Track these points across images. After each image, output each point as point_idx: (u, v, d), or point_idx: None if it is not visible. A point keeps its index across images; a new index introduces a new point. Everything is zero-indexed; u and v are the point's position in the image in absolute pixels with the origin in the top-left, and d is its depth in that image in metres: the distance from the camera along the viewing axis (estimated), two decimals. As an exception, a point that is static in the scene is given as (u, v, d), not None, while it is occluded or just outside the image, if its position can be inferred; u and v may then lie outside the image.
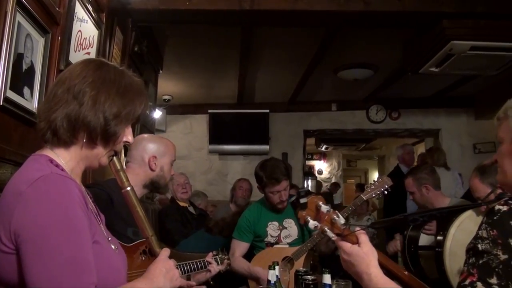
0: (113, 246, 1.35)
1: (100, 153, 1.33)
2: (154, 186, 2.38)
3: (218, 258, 2.66)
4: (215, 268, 2.60)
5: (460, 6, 3.62)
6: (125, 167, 2.39)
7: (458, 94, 6.88)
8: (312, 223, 1.54)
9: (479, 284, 1.17)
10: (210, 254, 2.65)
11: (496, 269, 1.17)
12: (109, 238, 1.36)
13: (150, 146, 2.37)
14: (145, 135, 2.57)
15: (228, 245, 3.29)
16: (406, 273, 1.50)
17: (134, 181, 2.28)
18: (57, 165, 1.23)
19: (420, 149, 9.73)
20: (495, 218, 1.24)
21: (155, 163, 2.33)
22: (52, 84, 1.33)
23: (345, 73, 5.62)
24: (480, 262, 1.20)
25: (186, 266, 2.50)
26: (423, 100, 7.24)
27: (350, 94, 7.07)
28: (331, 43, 4.60)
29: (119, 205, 2.04)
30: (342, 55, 5.14)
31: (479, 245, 1.23)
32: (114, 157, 1.40)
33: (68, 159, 1.28)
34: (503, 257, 1.18)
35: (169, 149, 2.42)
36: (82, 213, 1.17)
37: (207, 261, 2.60)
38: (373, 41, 4.70)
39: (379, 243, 7.12)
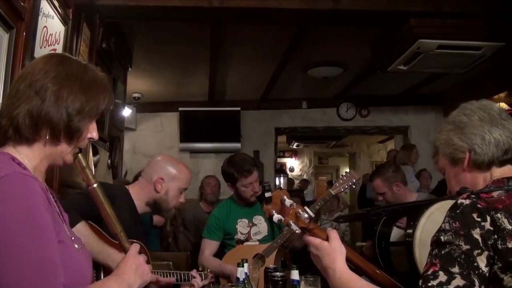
0: (76, 246, 1.32)
1: (64, 150, 1.29)
2: (156, 208, 2.37)
3: (203, 274, 2.57)
4: (199, 283, 2.50)
5: (427, 6, 3.68)
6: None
7: (426, 92, 7.01)
8: (276, 217, 1.56)
9: (441, 273, 1.19)
10: (194, 270, 2.57)
11: (458, 259, 1.19)
12: (73, 238, 1.34)
13: (162, 166, 2.37)
14: (164, 156, 2.55)
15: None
16: (374, 268, 1.52)
17: (139, 195, 2.35)
18: (20, 164, 1.20)
19: (390, 145, 9.88)
20: (457, 211, 1.26)
21: (161, 185, 2.32)
22: (14, 79, 1.29)
23: (315, 71, 5.65)
24: (443, 252, 1.22)
25: (169, 275, 2.42)
26: (392, 97, 7.35)
27: (321, 92, 7.12)
28: (300, 40, 4.62)
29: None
30: (311, 53, 5.16)
31: (441, 237, 1.24)
32: (79, 154, 1.38)
33: (31, 157, 1.25)
34: (465, 247, 1.20)
35: (181, 176, 2.40)
36: (46, 213, 1.15)
37: (191, 275, 2.51)
38: (342, 39, 4.74)
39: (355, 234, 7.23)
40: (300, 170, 13.34)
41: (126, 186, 2.42)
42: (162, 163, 2.39)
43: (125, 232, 1.52)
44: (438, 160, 1.56)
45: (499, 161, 1.41)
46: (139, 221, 2.38)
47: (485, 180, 1.42)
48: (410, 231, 2.54)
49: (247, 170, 3.12)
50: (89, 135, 1.34)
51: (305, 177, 12.87)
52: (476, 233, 1.20)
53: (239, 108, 7.19)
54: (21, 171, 1.16)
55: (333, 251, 1.43)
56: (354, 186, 3.02)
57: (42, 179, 1.30)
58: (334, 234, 1.47)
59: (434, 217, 2.47)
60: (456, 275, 1.17)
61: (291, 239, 3.09)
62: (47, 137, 1.25)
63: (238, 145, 7.07)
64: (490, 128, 1.40)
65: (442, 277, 1.18)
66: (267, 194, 1.64)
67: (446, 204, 2.49)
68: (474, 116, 1.43)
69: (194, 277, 2.51)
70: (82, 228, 1.91)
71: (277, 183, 10.49)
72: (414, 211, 2.69)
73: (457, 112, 1.50)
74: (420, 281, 1.21)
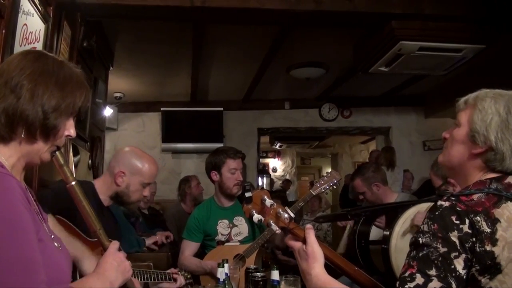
0: (56, 244, 1.31)
1: (41, 149, 1.28)
2: (118, 201, 2.33)
3: (181, 275, 2.55)
4: (181, 280, 2.50)
5: (408, 8, 3.71)
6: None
7: (408, 93, 7.07)
8: (256, 217, 1.56)
9: (418, 275, 1.19)
10: (174, 269, 2.57)
11: (435, 261, 1.19)
12: (52, 236, 1.33)
13: (125, 160, 2.31)
14: (131, 148, 2.43)
15: None
16: (354, 268, 1.52)
17: (102, 189, 2.32)
18: None
19: (372, 146, 9.94)
20: (436, 213, 1.26)
21: (122, 179, 2.27)
22: None
23: (297, 72, 5.67)
24: (420, 254, 1.22)
25: (147, 274, 2.40)
26: (374, 98, 7.40)
27: (303, 93, 7.14)
28: (283, 41, 4.62)
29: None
30: (294, 53, 5.17)
31: (420, 239, 1.25)
32: (57, 151, 1.36)
33: (8, 155, 1.24)
34: (442, 250, 1.20)
35: (144, 170, 2.31)
36: (26, 211, 1.14)
37: (171, 274, 2.50)
38: (324, 40, 4.76)
39: (337, 234, 7.23)
40: (283, 170, 13.38)
41: (92, 181, 2.41)
42: (127, 156, 2.33)
43: (104, 230, 1.51)
44: (460, 114, 1.42)
45: None
46: (107, 215, 2.35)
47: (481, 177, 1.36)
48: (386, 233, 2.58)
49: (234, 153, 3.21)
50: (66, 133, 1.33)
51: (287, 177, 12.92)
52: (454, 236, 1.21)
53: (221, 109, 7.17)
54: None
55: (309, 256, 1.42)
56: (335, 187, 3.06)
57: (20, 178, 1.29)
58: (311, 238, 1.44)
59: (408, 225, 2.51)
60: (433, 278, 1.18)
61: (273, 239, 3.09)
62: (23, 135, 1.24)
63: (220, 145, 7.01)
64: None
65: (419, 279, 1.18)
66: (247, 194, 1.63)
67: (421, 209, 2.53)
68: None
69: (174, 278, 2.50)
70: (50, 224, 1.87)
71: (260, 183, 10.50)
72: (393, 211, 2.73)
73: None
74: (397, 282, 1.22)
